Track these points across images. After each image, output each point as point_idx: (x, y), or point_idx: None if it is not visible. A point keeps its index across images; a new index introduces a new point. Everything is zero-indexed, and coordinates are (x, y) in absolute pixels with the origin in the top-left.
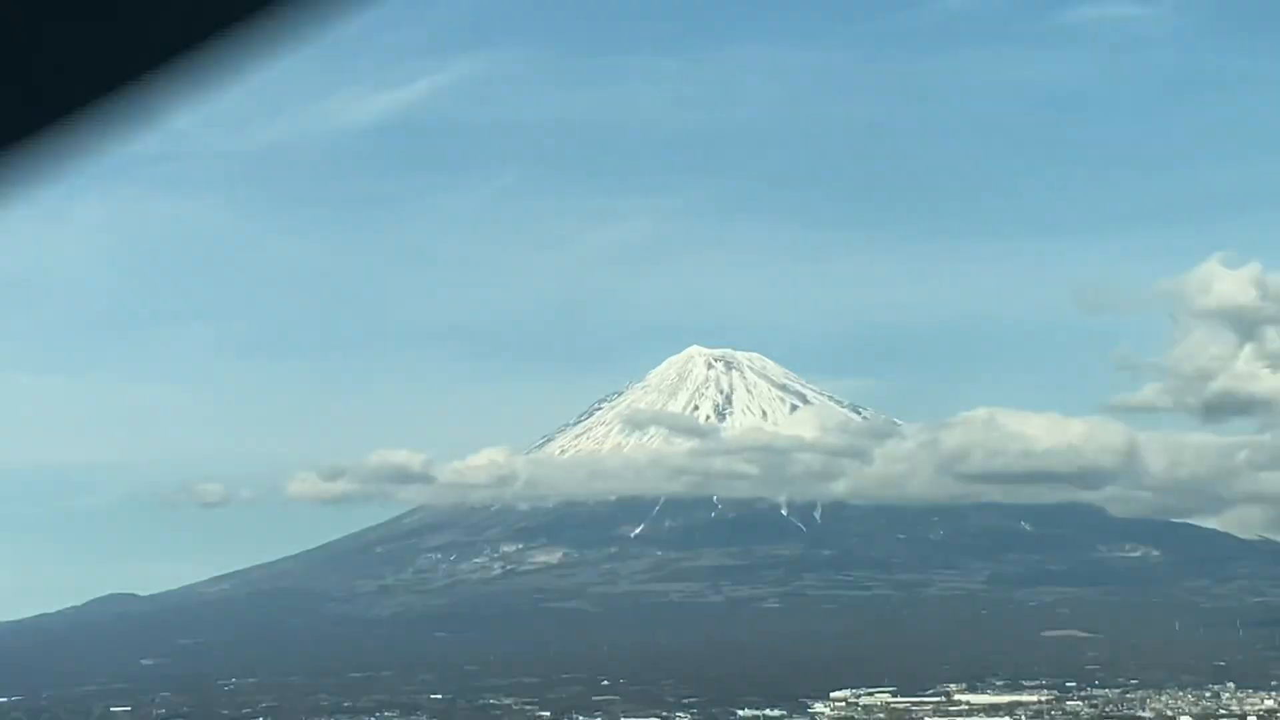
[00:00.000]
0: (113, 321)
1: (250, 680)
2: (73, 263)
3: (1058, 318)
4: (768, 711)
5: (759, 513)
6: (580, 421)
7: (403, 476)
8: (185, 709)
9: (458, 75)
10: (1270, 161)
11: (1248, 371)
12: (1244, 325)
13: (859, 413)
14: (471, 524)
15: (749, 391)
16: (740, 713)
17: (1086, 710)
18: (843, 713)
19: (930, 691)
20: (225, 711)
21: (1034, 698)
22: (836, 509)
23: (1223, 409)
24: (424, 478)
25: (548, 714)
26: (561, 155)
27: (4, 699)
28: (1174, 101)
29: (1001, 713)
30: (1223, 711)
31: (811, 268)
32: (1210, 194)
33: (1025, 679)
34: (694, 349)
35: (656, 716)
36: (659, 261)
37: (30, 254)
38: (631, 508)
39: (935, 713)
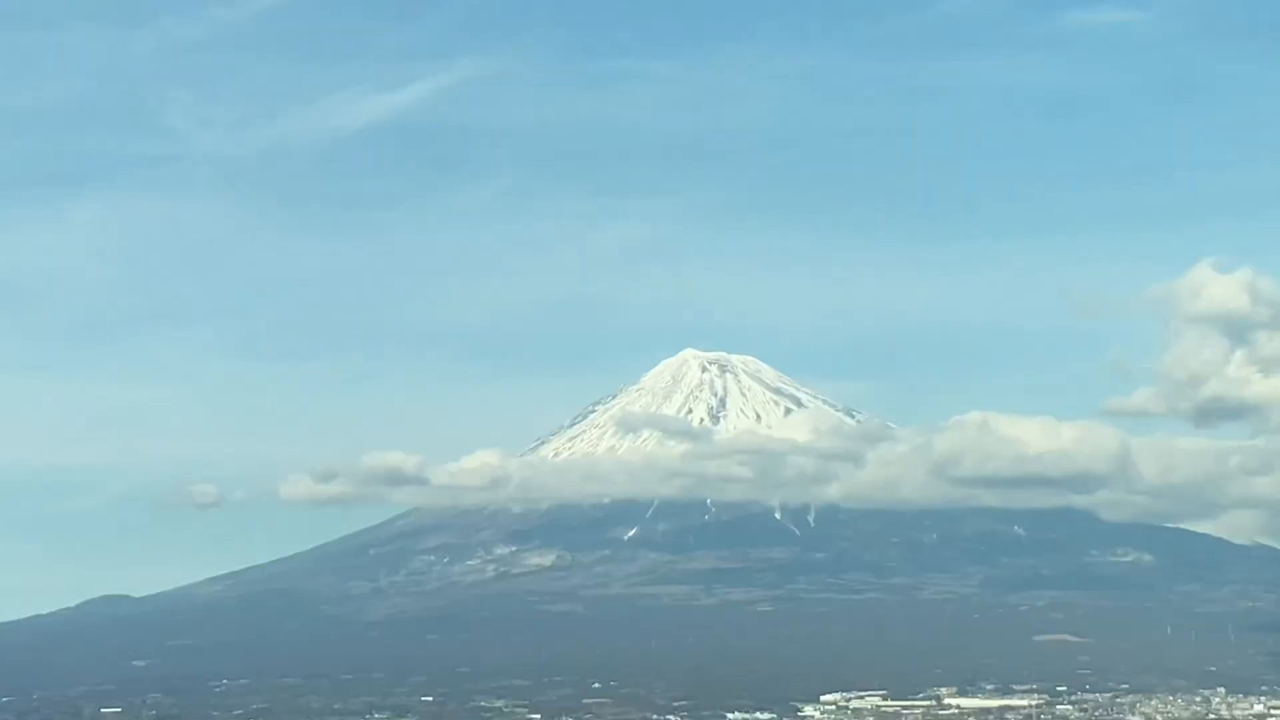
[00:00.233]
0: (107, 322)
1: (242, 681)
2: (68, 263)
3: (1051, 322)
4: (757, 715)
5: (752, 516)
6: (574, 424)
7: (396, 478)
8: (176, 710)
9: (455, 78)
10: (1263, 166)
11: (1239, 377)
12: (1236, 330)
13: (853, 416)
14: (465, 526)
15: (743, 394)
16: (730, 716)
17: (1076, 714)
18: (832, 716)
19: (921, 695)
20: (215, 713)
21: (1024, 702)
22: (830, 512)
23: (1215, 414)
24: (417, 480)
25: (538, 716)
26: (557, 158)
27: None
28: (1167, 106)
29: (991, 716)
30: (1212, 716)
31: (806, 271)
32: (1202, 198)
33: (1016, 683)
34: (688, 352)
35: (646, 719)
36: (654, 264)
37: (25, 254)
38: (625, 510)
39: (925, 716)
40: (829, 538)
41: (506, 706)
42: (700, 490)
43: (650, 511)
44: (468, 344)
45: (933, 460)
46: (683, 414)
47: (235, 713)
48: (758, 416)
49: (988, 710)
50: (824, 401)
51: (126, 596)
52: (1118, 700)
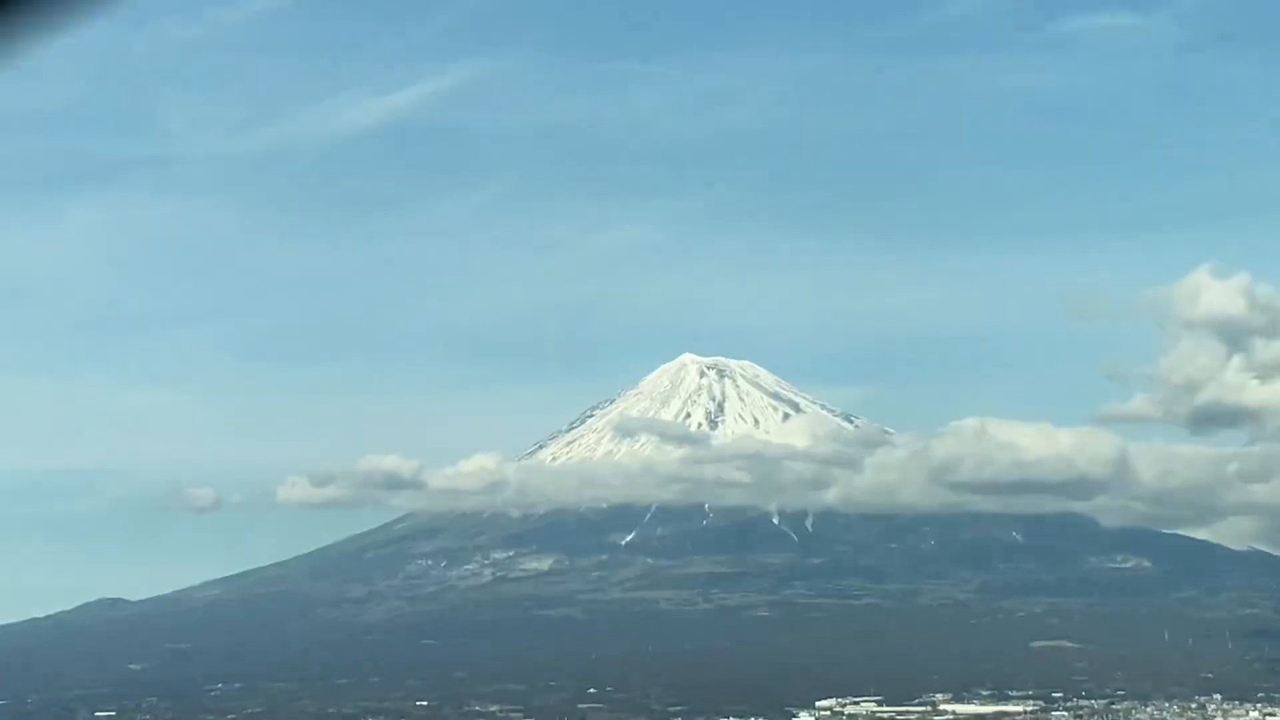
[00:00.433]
0: (104, 325)
1: (237, 685)
2: (66, 266)
3: (1048, 327)
4: None
5: (750, 521)
6: (572, 428)
7: (393, 482)
8: (170, 714)
9: (454, 81)
10: (1260, 172)
11: (1236, 382)
12: (1232, 336)
13: (851, 421)
14: (462, 530)
15: (741, 399)
16: None
17: None
18: None
19: (916, 701)
20: (210, 717)
21: (1020, 708)
22: (828, 518)
23: (1212, 420)
24: (415, 484)
25: None
26: (556, 161)
27: None
28: (1166, 111)
29: None
30: None
31: (805, 276)
32: (1200, 204)
33: (1012, 689)
34: (687, 356)
35: None
36: (653, 268)
37: (23, 256)
38: (623, 515)
39: None
40: (826, 543)
41: (501, 711)
42: (698, 495)
43: (648, 516)
44: (465, 347)
45: (930, 466)
46: (681, 419)
47: (229, 717)
48: (756, 421)
49: (983, 716)
50: (822, 407)
51: (123, 600)
52: (1113, 706)
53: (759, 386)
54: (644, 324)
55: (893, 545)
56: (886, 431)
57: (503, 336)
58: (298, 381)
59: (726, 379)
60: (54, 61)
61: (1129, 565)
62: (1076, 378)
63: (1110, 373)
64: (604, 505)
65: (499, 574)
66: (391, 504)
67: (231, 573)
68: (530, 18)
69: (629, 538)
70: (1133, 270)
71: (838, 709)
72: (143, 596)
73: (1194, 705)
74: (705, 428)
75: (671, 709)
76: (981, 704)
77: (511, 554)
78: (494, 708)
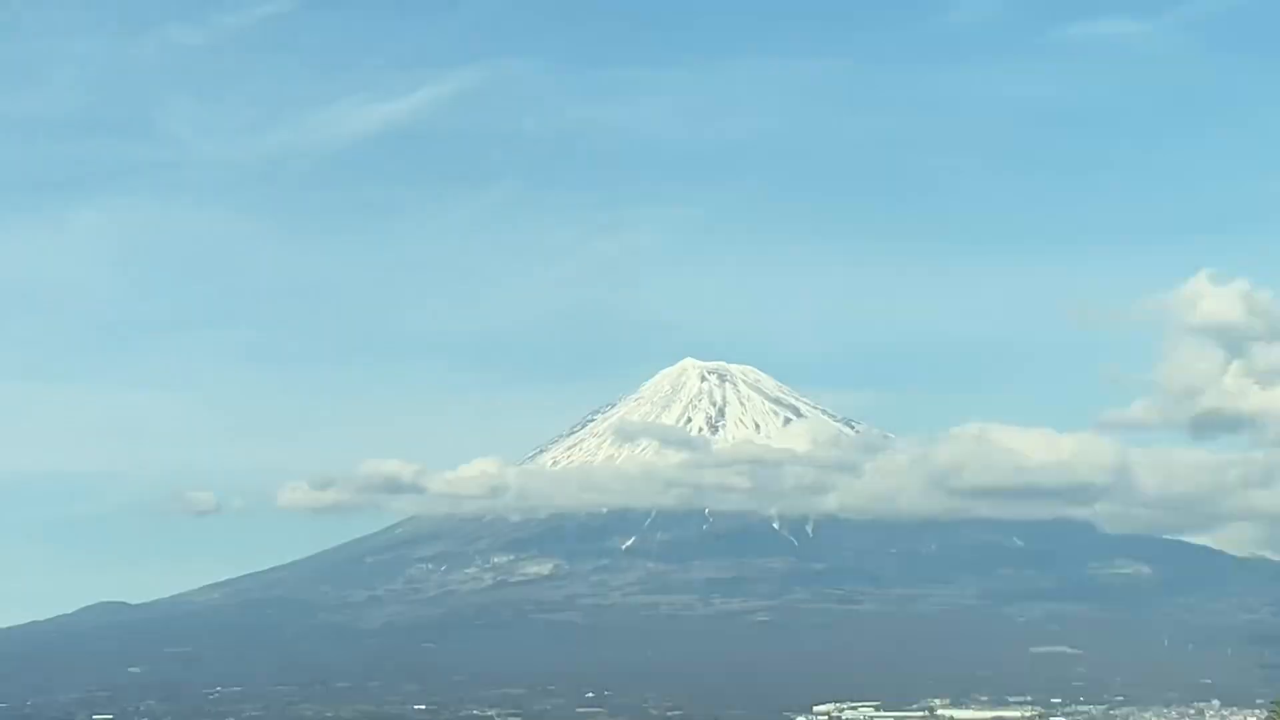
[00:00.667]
0: (105, 329)
1: (235, 689)
2: (69, 269)
3: (1049, 333)
4: None
5: (751, 526)
6: (573, 433)
7: (394, 486)
8: (169, 718)
9: (458, 86)
10: (1260, 178)
11: (1236, 388)
12: (1231, 342)
13: (852, 426)
14: (463, 534)
15: (742, 404)
16: None
17: None
18: None
19: (915, 706)
20: None
21: (1018, 714)
22: (828, 523)
23: (1211, 426)
24: (415, 488)
25: None
26: (559, 167)
27: None
28: (1166, 118)
29: None
30: None
31: (807, 281)
32: (1199, 210)
33: (1011, 695)
34: (688, 361)
35: None
36: (654, 273)
37: (26, 260)
38: (623, 520)
39: None
40: (827, 548)
41: (499, 715)
42: (698, 500)
43: (648, 521)
44: (467, 352)
45: (931, 471)
46: (681, 423)
47: None
48: (756, 426)
49: None
50: (823, 412)
51: (124, 603)
52: (1111, 713)
53: (760, 391)
54: (646, 328)
55: (893, 551)
56: (887, 436)
57: (504, 340)
58: (298, 385)
59: (727, 383)
60: (59, 66)
61: (1129, 571)
62: (1076, 384)
63: (1110, 379)
64: (604, 510)
65: (499, 578)
66: (392, 508)
67: (232, 576)
68: (535, 24)
69: (629, 542)
70: (1132, 276)
71: (835, 714)
72: (143, 600)
73: (1192, 711)
74: (706, 432)
75: (670, 714)
76: (980, 709)
77: (512, 558)
78: (492, 712)
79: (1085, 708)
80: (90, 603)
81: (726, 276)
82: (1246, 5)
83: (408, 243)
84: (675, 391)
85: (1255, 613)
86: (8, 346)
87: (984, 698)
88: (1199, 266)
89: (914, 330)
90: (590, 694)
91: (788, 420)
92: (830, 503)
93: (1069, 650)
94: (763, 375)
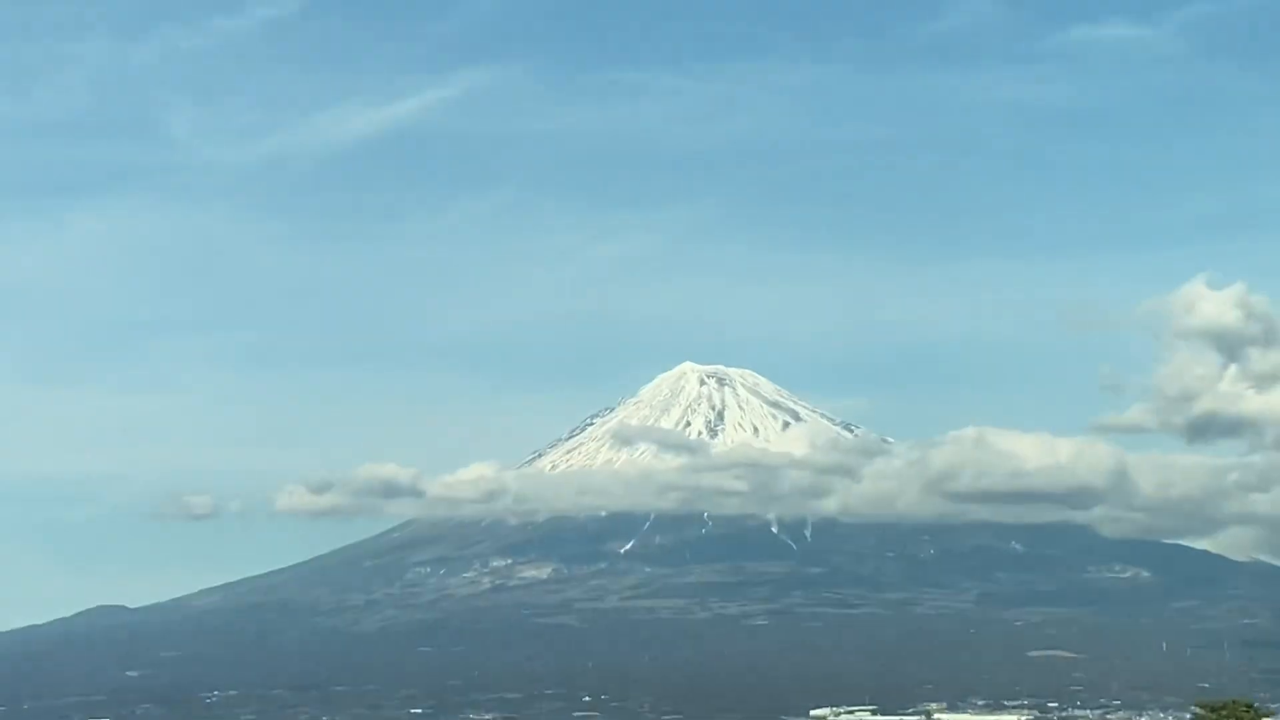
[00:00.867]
0: (105, 332)
1: (233, 693)
2: (66, 273)
3: (1046, 337)
4: None
5: (749, 530)
6: (572, 437)
7: (392, 490)
8: None
9: (457, 90)
10: (1257, 183)
11: (1233, 392)
12: (1228, 346)
13: (850, 430)
14: (461, 538)
15: (741, 408)
16: None
17: None
18: None
19: (911, 710)
20: None
21: (1013, 718)
22: (827, 526)
23: (1208, 430)
24: (413, 492)
25: None
26: (557, 171)
27: None
28: (1165, 122)
29: None
30: None
31: (805, 286)
32: (1195, 215)
33: (1007, 699)
34: (687, 365)
35: None
36: (653, 277)
37: (26, 263)
38: (622, 523)
39: None
40: (826, 552)
41: (494, 719)
42: (697, 504)
43: (647, 525)
44: (465, 356)
45: (929, 475)
46: (680, 427)
47: None
48: (755, 430)
49: None
50: (822, 415)
51: (122, 607)
52: (1108, 717)
53: (758, 395)
54: (645, 332)
55: (891, 554)
56: (885, 441)
57: (502, 344)
58: (296, 389)
59: (726, 387)
60: (59, 70)
61: (1128, 575)
62: (1074, 388)
63: (1107, 383)
64: (603, 513)
65: (497, 582)
66: (390, 512)
67: (229, 580)
68: (534, 28)
69: (628, 546)
70: (1129, 281)
71: (831, 718)
72: (141, 604)
73: (1188, 716)
74: (705, 436)
75: (664, 717)
76: (976, 713)
77: (510, 562)
78: (488, 716)
79: (1082, 712)
80: (88, 606)
81: (725, 281)
82: (1243, 11)
83: (406, 246)
84: (674, 395)
85: (1255, 617)
86: (6, 349)
87: (980, 702)
88: (1196, 271)
89: (912, 334)
90: (587, 698)
91: (786, 424)
92: (829, 506)
93: (1067, 654)
94: (761, 379)
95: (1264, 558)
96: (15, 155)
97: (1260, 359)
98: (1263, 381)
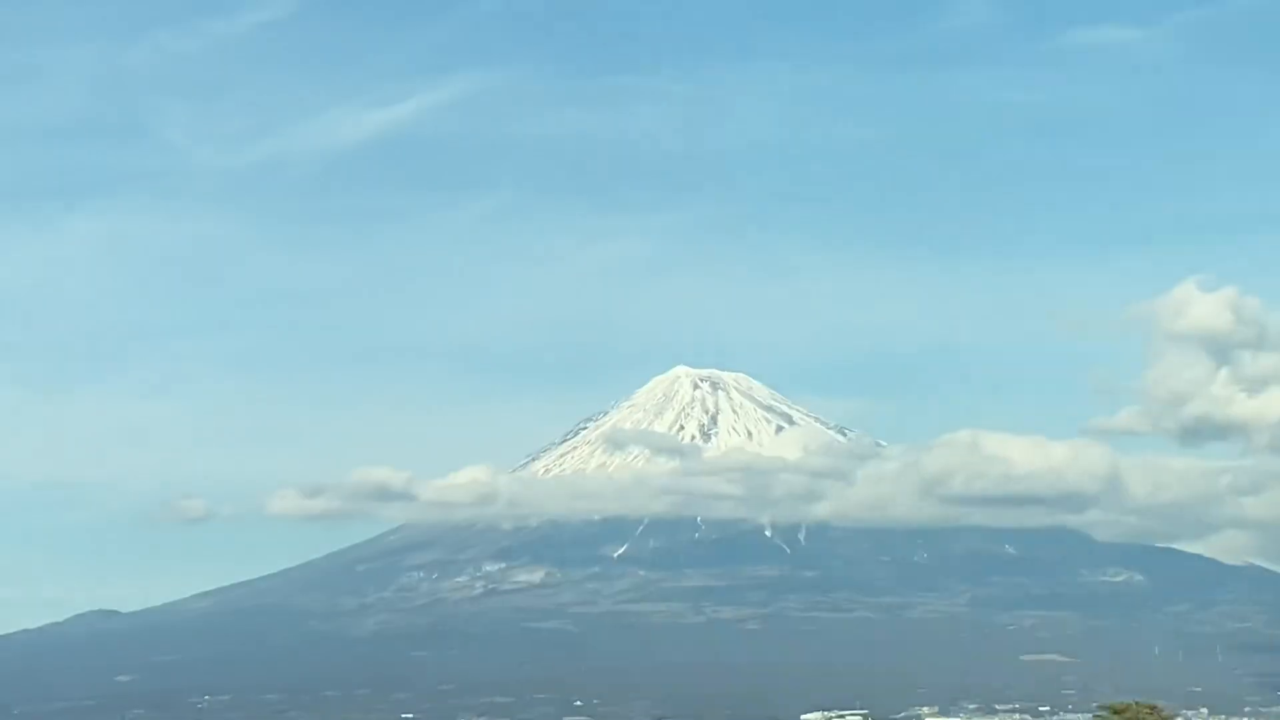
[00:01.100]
0: (97, 337)
1: (224, 698)
2: (59, 277)
3: (1038, 340)
4: None
5: (743, 534)
6: (565, 440)
7: (385, 494)
8: None
9: (452, 93)
10: (1248, 186)
11: (1224, 396)
12: (1219, 349)
13: (844, 434)
14: (454, 543)
15: (735, 412)
16: None
17: None
18: None
19: (902, 714)
20: None
21: None
22: (820, 530)
23: (1200, 433)
24: (406, 495)
25: None
26: (553, 175)
27: None
28: (1156, 125)
29: None
30: None
31: (799, 289)
32: (1186, 217)
33: (999, 702)
34: (680, 369)
35: None
36: (647, 281)
37: (17, 267)
38: (615, 528)
39: None
40: (819, 556)
41: None
42: (690, 508)
43: (640, 529)
44: (459, 359)
45: (922, 478)
46: (674, 431)
47: None
48: (749, 434)
49: None
50: (815, 419)
51: (115, 612)
52: None
53: (752, 399)
54: (638, 336)
55: (885, 558)
56: (879, 444)
57: (495, 348)
58: (289, 392)
59: (720, 391)
60: (53, 73)
61: (1121, 579)
62: (1066, 391)
63: (1099, 386)
64: (596, 517)
65: (490, 586)
66: (383, 516)
67: (223, 584)
68: (528, 31)
69: (621, 550)
70: (1120, 283)
71: None
72: (134, 608)
73: (1179, 719)
74: (698, 440)
75: None
76: (968, 717)
77: (503, 566)
78: None
79: (1074, 715)
80: (81, 611)
81: (719, 284)
82: (1238, 15)
83: (399, 250)
84: (668, 399)
85: (1248, 621)
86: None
87: (972, 705)
88: (1187, 273)
89: (906, 338)
90: (579, 702)
91: (780, 428)
92: (822, 510)
93: (1059, 658)
94: (755, 383)
95: (1257, 561)
96: (7, 159)
97: (1252, 362)
98: (1254, 385)
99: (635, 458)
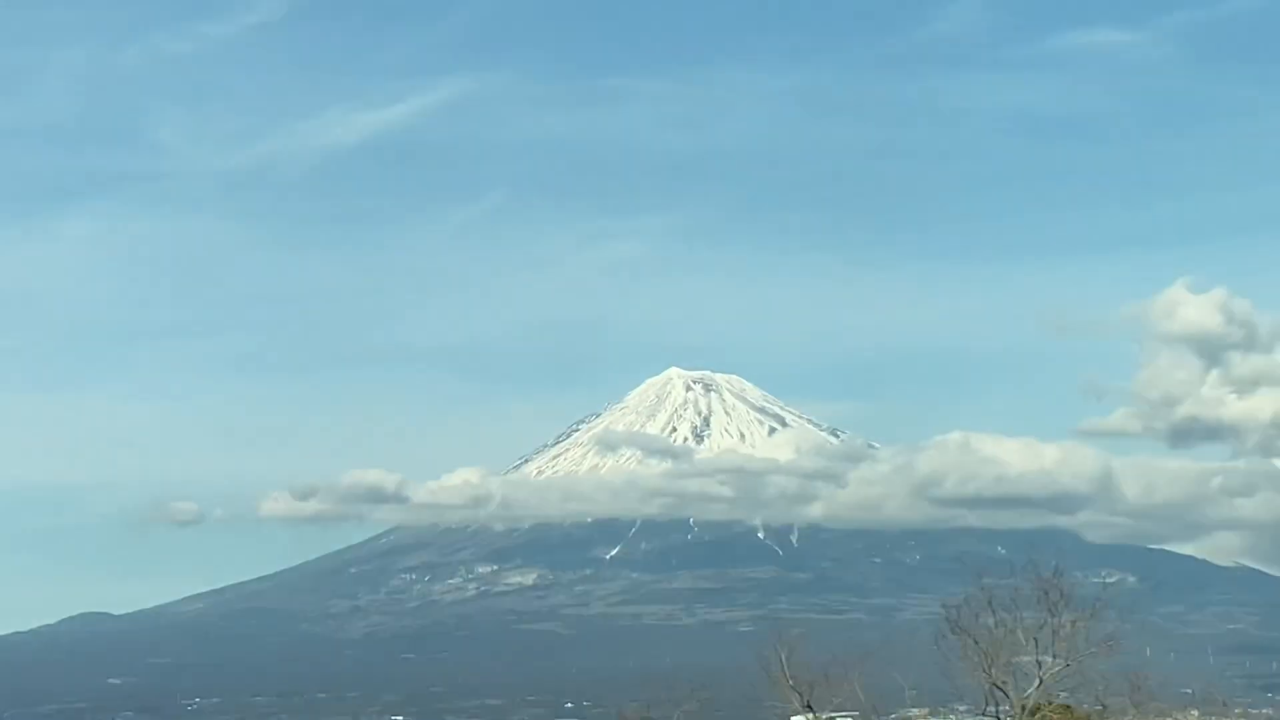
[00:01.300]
0: (90, 339)
1: (215, 700)
2: (52, 279)
3: (1030, 342)
4: None
5: (735, 535)
6: (558, 442)
7: (377, 496)
8: None
9: (446, 96)
10: (1237, 188)
11: (1214, 397)
12: (1209, 350)
13: (836, 436)
14: (446, 545)
15: (727, 414)
16: None
17: None
18: None
19: (892, 716)
20: None
21: None
22: (812, 532)
23: (1191, 434)
24: (398, 498)
25: None
26: (546, 177)
27: None
28: (1149, 128)
29: None
30: None
31: (792, 291)
32: (1176, 219)
33: (990, 704)
34: (673, 371)
35: None
36: (640, 283)
37: (10, 269)
38: (607, 529)
39: None
40: (811, 557)
41: None
42: (683, 509)
43: (632, 531)
44: (451, 361)
45: (914, 480)
46: (666, 433)
47: None
48: (741, 436)
49: None
50: (808, 421)
51: (107, 614)
52: None
53: (745, 400)
54: (631, 338)
55: (876, 560)
56: (871, 446)
57: (489, 350)
58: (281, 394)
59: (713, 393)
60: (47, 76)
61: (1113, 580)
62: (1057, 393)
63: (1090, 388)
64: (588, 519)
65: (483, 588)
66: (375, 518)
67: (214, 587)
68: (522, 34)
69: (613, 552)
70: (1110, 285)
71: None
72: (126, 610)
73: None
74: (691, 442)
75: None
76: (959, 718)
77: (495, 568)
78: None
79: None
80: (73, 613)
81: (712, 286)
82: (1231, 17)
83: (392, 252)
84: (660, 401)
85: (1239, 622)
86: None
87: (962, 708)
88: (1177, 275)
89: (897, 340)
90: (570, 704)
91: (772, 430)
92: (814, 512)
93: (1050, 660)
94: (748, 385)
95: (1248, 563)
96: (5, 162)
97: (1241, 363)
98: (1244, 386)
99: (628, 459)
